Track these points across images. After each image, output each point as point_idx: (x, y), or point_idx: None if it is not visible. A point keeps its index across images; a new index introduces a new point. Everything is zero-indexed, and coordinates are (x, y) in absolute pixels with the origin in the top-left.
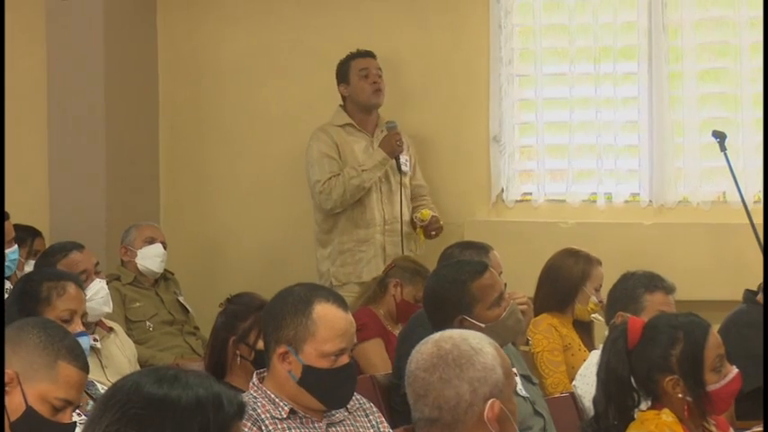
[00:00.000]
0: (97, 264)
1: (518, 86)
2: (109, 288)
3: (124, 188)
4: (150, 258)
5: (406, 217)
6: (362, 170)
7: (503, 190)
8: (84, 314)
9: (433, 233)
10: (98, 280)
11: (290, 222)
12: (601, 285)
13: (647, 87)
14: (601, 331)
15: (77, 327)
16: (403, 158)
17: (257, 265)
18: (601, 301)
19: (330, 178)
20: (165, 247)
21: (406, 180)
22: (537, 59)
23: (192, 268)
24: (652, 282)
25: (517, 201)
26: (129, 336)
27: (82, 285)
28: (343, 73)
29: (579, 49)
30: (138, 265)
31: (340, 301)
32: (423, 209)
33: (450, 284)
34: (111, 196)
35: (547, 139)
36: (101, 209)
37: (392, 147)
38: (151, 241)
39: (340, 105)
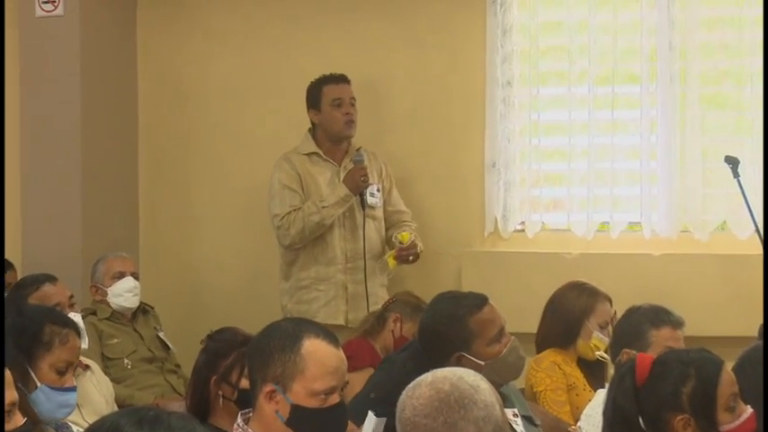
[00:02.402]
0: (71, 297)
1: (516, 110)
2: (84, 323)
3: (101, 216)
4: (121, 295)
5: (375, 250)
6: (323, 206)
7: (501, 219)
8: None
9: (410, 258)
10: (73, 314)
11: (279, 252)
12: (608, 323)
13: (653, 111)
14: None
15: (70, 380)
16: (371, 189)
17: (244, 297)
18: (608, 339)
19: (289, 212)
20: (137, 278)
21: (378, 212)
22: (535, 81)
23: (174, 301)
24: (658, 316)
25: (516, 230)
26: (106, 374)
27: (81, 335)
28: (313, 98)
29: (580, 72)
30: (111, 303)
31: (331, 338)
32: (403, 231)
33: (447, 319)
34: (87, 225)
35: (547, 166)
36: (77, 238)
37: (356, 182)
38: (120, 276)
39: (308, 130)
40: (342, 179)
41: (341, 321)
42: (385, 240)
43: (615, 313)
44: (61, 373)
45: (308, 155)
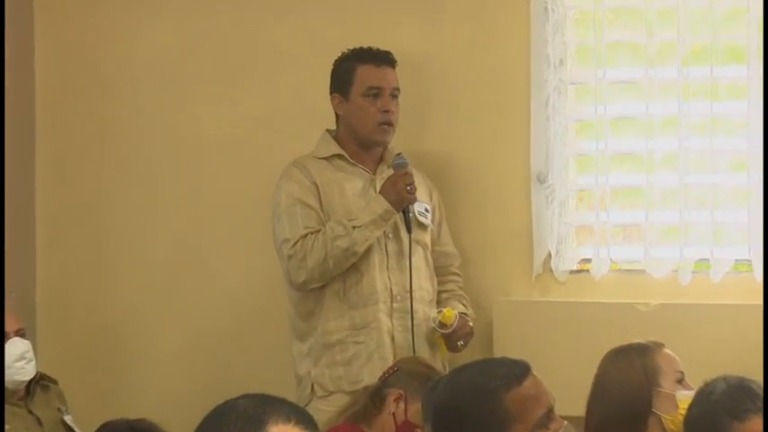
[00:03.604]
0: None
1: (573, 100)
2: None
3: None
4: (9, 367)
5: (424, 291)
6: (354, 226)
7: (553, 255)
8: None
9: (461, 343)
10: None
11: (237, 305)
12: (683, 374)
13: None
14: None
15: None
16: (420, 207)
17: (181, 370)
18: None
19: (305, 236)
20: (24, 335)
21: (426, 237)
22: (600, 60)
23: (84, 374)
24: (740, 405)
25: (572, 271)
26: None
27: None
28: (341, 79)
29: (662, 45)
30: None
31: (306, 421)
32: (446, 305)
33: (475, 396)
34: None
35: (616, 179)
36: None
37: (399, 194)
38: None
39: (327, 130)
40: (379, 189)
41: None
42: (434, 281)
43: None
44: None
45: (327, 159)
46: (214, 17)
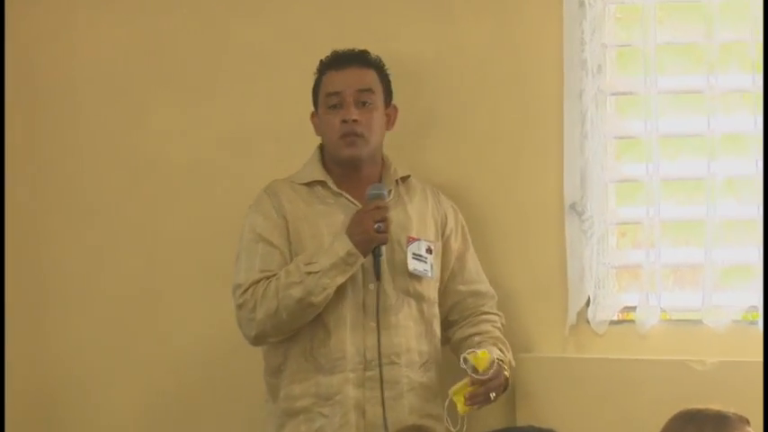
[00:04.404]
0: None
1: (614, 113)
2: None
3: None
4: None
5: (414, 354)
6: (309, 271)
7: (591, 302)
8: None
9: (492, 396)
10: None
11: (202, 362)
12: None
13: None
14: None
15: None
16: (418, 247)
17: None
18: None
19: (258, 282)
20: None
21: (427, 287)
22: (648, 65)
23: None
24: None
25: (613, 321)
26: None
27: None
28: (314, 93)
29: (726, 46)
30: None
31: None
32: (480, 345)
33: None
34: None
35: (669, 210)
36: None
37: (366, 233)
38: None
39: (318, 147)
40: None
41: None
42: (440, 341)
43: None
44: None
45: (308, 185)
46: (174, 12)
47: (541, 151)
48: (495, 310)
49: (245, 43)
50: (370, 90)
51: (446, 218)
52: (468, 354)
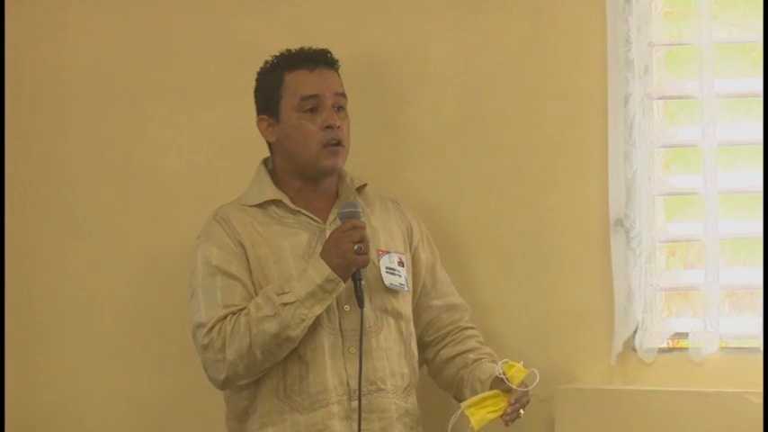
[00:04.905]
0: None
1: (662, 120)
2: None
3: None
4: None
5: (397, 378)
6: (284, 303)
7: (637, 328)
8: None
9: (522, 411)
10: None
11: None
12: None
13: None
14: None
15: None
16: (390, 260)
17: None
18: None
19: (224, 319)
20: None
21: (402, 302)
22: (703, 66)
23: None
24: None
25: (662, 349)
26: None
27: None
28: (266, 96)
29: None
30: None
31: None
32: (481, 362)
33: None
34: None
35: (724, 226)
36: None
37: (344, 256)
38: None
39: (263, 161)
40: (322, 248)
41: None
42: (418, 362)
43: None
44: None
45: (260, 206)
46: (173, 10)
47: (582, 161)
48: (472, 324)
49: (249, 44)
50: (344, 95)
51: (411, 228)
52: (502, 363)
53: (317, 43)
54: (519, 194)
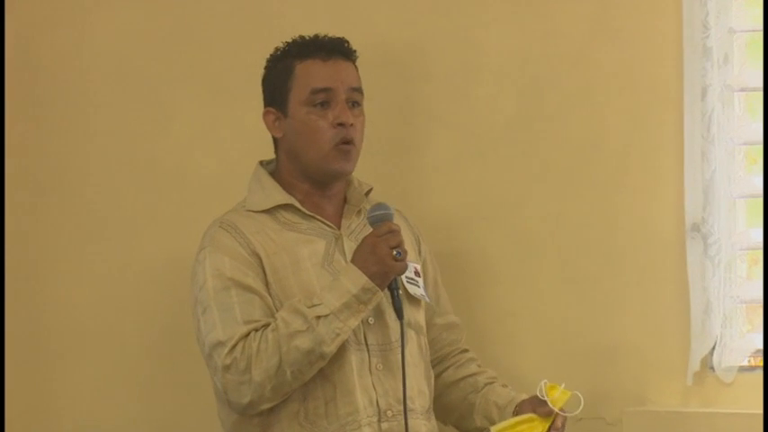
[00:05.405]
0: None
1: (743, 114)
2: None
3: None
4: None
5: (425, 398)
6: (318, 315)
7: (716, 344)
8: None
9: None
10: None
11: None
12: None
13: None
14: None
15: None
16: (408, 271)
17: None
18: None
19: (247, 336)
20: None
21: (420, 314)
22: None
23: None
24: None
25: (743, 367)
26: None
27: None
28: (275, 86)
29: None
30: None
31: None
32: (494, 387)
33: None
34: None
35: None
36: None
37: (382, 262)
38: None
39: (261, 163)
40: (352, 257)
41: None
42: (431, 379)
43: None
44: None
45: (268, 212)
46: (192, 7)
47: (655, 161)
48: (467, 347)
49: (286, 31)
50: (360, 90)
51: (419, 239)
52: (544, 384)
53: (362, 31)
54: (584, 197)
